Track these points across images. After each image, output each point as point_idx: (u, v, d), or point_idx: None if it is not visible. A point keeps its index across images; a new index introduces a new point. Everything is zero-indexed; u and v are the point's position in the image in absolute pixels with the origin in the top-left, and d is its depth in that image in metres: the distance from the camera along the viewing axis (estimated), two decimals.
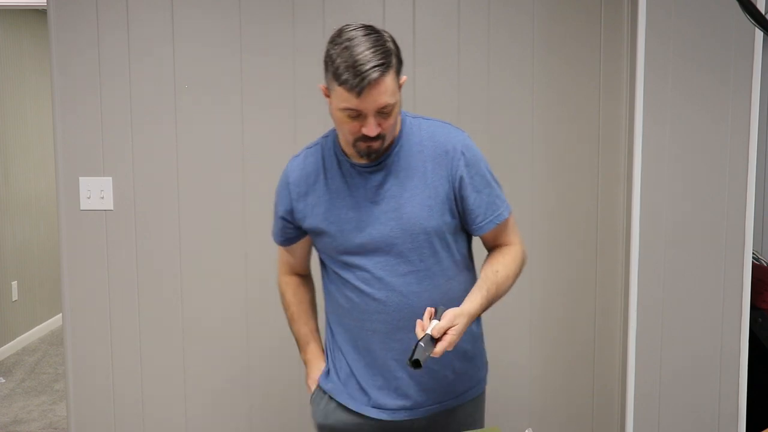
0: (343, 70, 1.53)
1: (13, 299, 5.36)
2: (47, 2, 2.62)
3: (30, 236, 5.60)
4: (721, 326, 2.56)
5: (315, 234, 1.77)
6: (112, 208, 2.68)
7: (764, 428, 2.42)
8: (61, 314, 2.84)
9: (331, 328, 1.85)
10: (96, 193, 2.67)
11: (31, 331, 5.60)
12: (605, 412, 2.79)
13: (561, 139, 2.71)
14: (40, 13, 5.64)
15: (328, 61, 1.58)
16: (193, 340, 2.72)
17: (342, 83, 1.54)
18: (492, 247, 1.81)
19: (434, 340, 1.53)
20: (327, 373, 1.86)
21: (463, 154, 1.70)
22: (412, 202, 1.67)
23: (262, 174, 2.61)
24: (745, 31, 2.46)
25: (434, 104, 2.67)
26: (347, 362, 1.79)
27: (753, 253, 2.62)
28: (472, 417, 1.85)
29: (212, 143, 2.66)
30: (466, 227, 1.76)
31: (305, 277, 1.98)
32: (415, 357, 1.49)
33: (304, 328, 1.90)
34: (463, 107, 2.67)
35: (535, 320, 2.76)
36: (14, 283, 5.37)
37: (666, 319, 2.58)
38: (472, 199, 1.71)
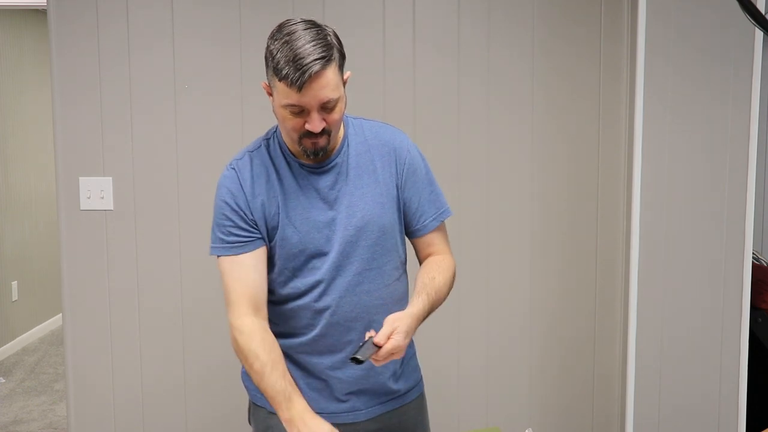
0: (284, 64, 1.49)
1: (13, 299, 5.37)
2: (47, 2, 2.62)
3: (30, 236, 5.60)
4: (721, 326, 2.56)
5: (270, 236, 1.67)
6: (112, 208, 2.68)
7: (764, 428, 2.42)
8: (61, 314, 2.84)
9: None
10: (96, 193, 2.67)
11: (31, 331, 5.60)
12: (605, 413, 2.79)
13: (560, 138, 2.71)
14: (40, 13, 5.64)
15: (269, 56, 1.54)
16: (193, 340, 2.72)
17: (282, 78, 1.50)
18: (426, 254, 1.77)
19: (378, 348, 1.49)
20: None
21: (409, 151, 1.71)
22: (365, 199, 1.66)
23: None
24: (745, 31, 2.46)
25: (434, 102, 2.67)
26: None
27: (753, 253, 2.62)
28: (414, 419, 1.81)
29: (212, 143, 2.65)
30: (408, 227, 1.74)
31: (265, 320, 1.68)
32: (357, 354, 1.46)
33: (281, 381, 1.59)
34: (463, 105, 2.68)
35: (535, 321, 2.76)
36: (14, 283, 5.37)
37: (666, 319, 2.58)
38: (418, 196, 1.71)
